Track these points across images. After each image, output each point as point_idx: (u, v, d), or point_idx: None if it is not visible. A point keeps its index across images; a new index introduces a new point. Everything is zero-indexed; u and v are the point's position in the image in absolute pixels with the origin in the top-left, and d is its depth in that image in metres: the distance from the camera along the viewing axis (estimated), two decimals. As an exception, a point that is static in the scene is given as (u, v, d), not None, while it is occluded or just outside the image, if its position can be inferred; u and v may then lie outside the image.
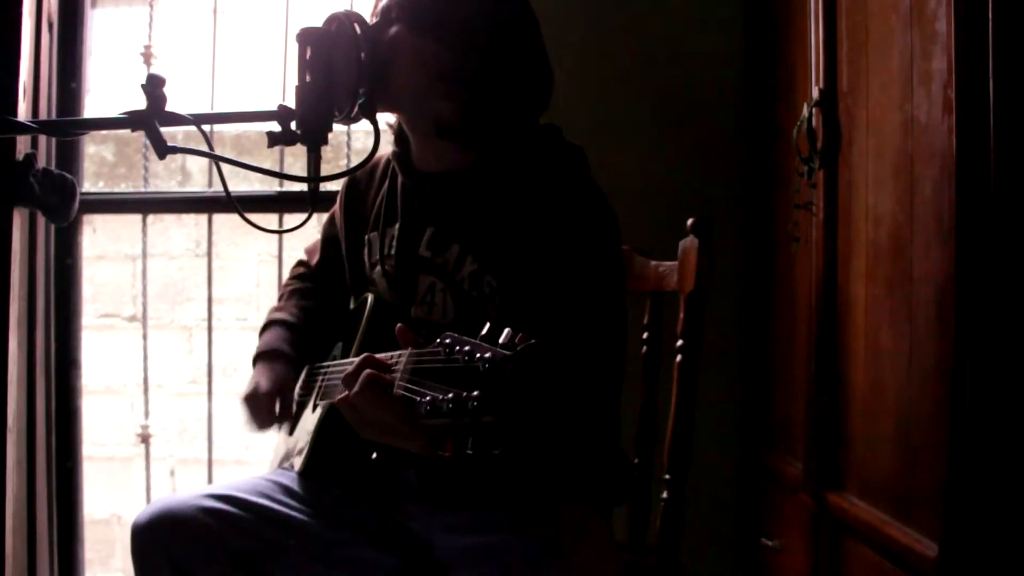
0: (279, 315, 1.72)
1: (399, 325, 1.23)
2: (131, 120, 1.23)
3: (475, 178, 1.50)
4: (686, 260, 1.71)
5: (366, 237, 1.62)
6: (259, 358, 1.65)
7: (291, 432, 1.68)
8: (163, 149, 1.22)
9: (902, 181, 1.58)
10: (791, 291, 2.12)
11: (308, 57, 1.31)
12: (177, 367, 3.66)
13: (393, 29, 1.47)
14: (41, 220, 2.19)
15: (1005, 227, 1.33)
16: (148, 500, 2.58)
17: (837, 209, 1.86)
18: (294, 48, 1.33)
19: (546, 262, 1.42)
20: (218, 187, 2.45)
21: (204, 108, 1.65)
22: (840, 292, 1.85)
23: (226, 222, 2.88)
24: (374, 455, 1.54)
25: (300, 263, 1.84)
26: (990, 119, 1.33)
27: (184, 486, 3.63)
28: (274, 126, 1.31)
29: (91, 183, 3.47)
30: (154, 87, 1.22)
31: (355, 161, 2.25)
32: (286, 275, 1.87)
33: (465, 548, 1.44)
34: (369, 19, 1.49)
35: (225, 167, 1.33)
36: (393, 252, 1.56)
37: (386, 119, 1.57)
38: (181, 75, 2.52)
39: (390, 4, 1.49)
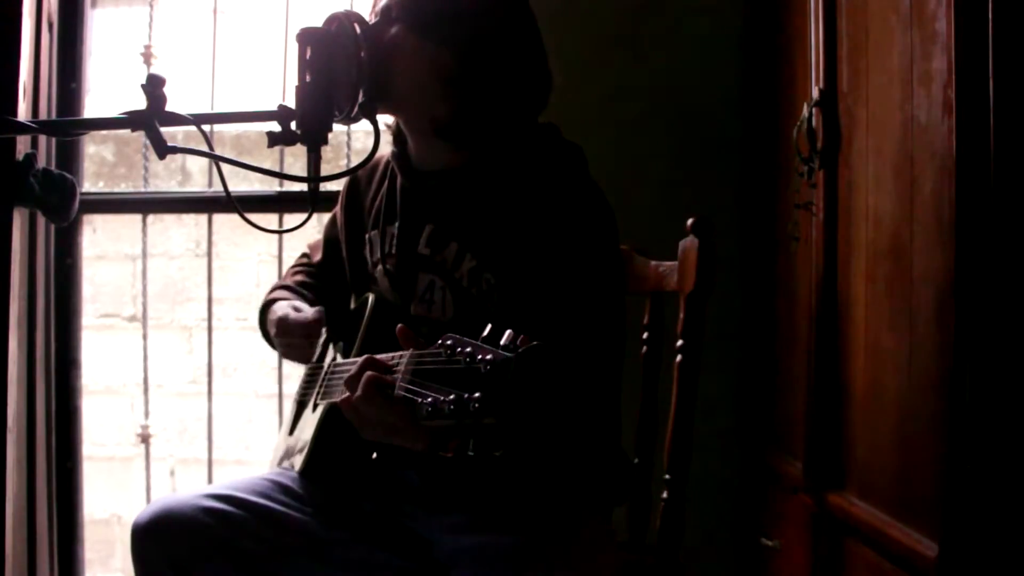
0: (285, 282, 1.75)
1: (400, 326, 1.23)
2: (131, 120, 1.23)
3: (473, 176, 1.50)
4: (686, 260, 1.71)
5: (367, 236, 1.63)
6: (268, 305, 1.67)
7: (291, 432, 1.68)
8: (163, 149, 1.22)
9: (902, 181, 1.58)
10: (791, 291, 2.12)
11: (308, 57, 1.31)
12: (177, 367, 3.66)
13: (393, 29, 1.47)
14: (41, 220, 2.19)
15: (1005, 227, 1.33)
16: (148, 500, 2.58)
17: (837, 209, 1.86)
18: (294, 48, 1.33)
19: (544, 259, 1.42)
20: (218, 187, 2.45)
21: (204, 108, 1.66)
22: (840, 292, 1.85)
23: (226, 222, 2.88)
24: (374, 455, 1.54)
25: (303, 255, 1.85)
26: (990, 119, 1.33)
27: (184, 486, 3.63)
28: (274, 126, 1.31)
29: (91, 183, 3.47)
30: (154, 87, 1.22)
31: (355, 161, 2.25)
32: (286, 269, 1.87)
33: (465, 548, 1.44)
34: (368, 18, 1.49)
35: (225, 167, 1.33)
36: (393, 250, 1.56)
37: (385, 119, 1.57)
38: (181, 75, 2.52)
39: (389, 4, 1.49)
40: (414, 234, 1.54)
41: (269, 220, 2.42)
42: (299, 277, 1.78)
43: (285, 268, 2.42)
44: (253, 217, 1.38)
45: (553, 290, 1.41)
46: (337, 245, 1.72)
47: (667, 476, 1.71)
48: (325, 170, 1.34)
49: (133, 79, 1.29)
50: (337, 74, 1.32)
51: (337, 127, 1.36)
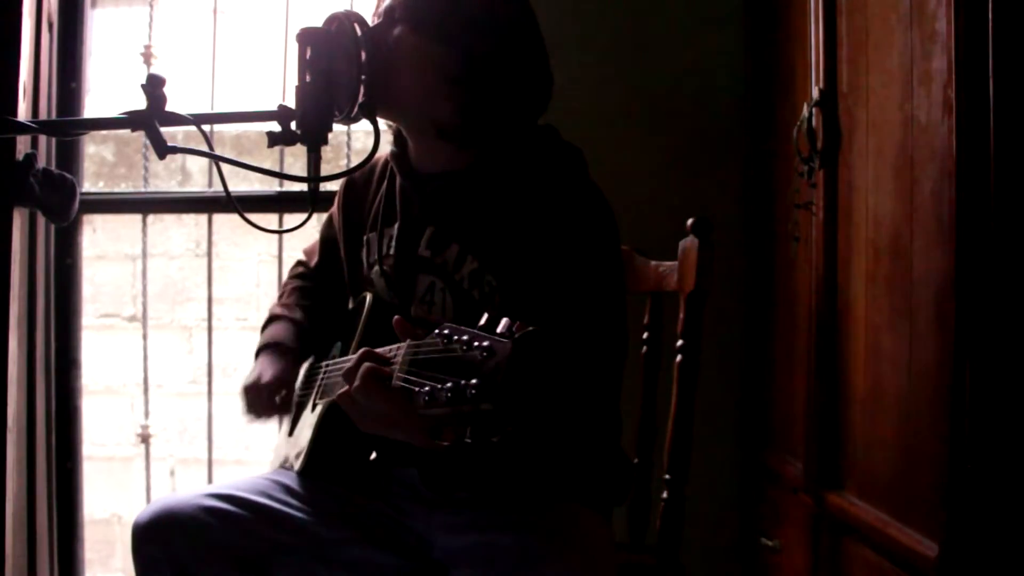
0: (282, 311, 1.73)
1: (396, 317, 1.23)
2: (131, 120, 1.22)
3: (474, 178, 1.50)
4: (686, 260, 1.71)
5: (364, 238, 1.63)
6: (262, 350, 1.66)
7: (291, 432, 1.68)
8: (163, 149, 1.22)
9: (902, 181, 1.58)
10: (791, 291, 2.12)
11: (308, 57, 1.31)
12: (177, 367, 3.66)
13: (396, 30, 1.47)
14: (41, 220, 2.19)
15: (1005, 227, 1.33)
16: (148, 500, 2.58)
17: (837, 209, 1.86)
18: (294, 48, 1.33)
19: (545, 260, 1.42)
20: (218, 187, 2.45)
21: (204, 108, 1.65)
22: (840, 292, 1.85)
23: (226, 222, 2.88)
24: (374, 455, 1.54)
25: (299, 263, 1.85)
26: (990, 119, 1.33)
27: (184, 486, 3.63)
28: (274, 126, 1.31)
29: (91, 183, 3.47)
30: (154, 87, 1.22)
31: (355, 161, 2.25)
32: (286, 275, 1.87)
33: (465, 548, 1.44)
34: (371, 20, 1.49)
35: (225, 167, 1.33)
36: (391, 252, 1.56)
37: (385, 120, 1.57)
38: (181, 75, 2.53)
39: (393, 4, 1.49)
40: (414, 236, 1.54)
41: (269, 220, 2.42)
42: (295, 297, 1.77)
43: (285, 269, 2.43)
44: (253, 217, 1.38)
45: (554, 291, 1.41)
46: (334, 245, 1.72)
47: (667, 476, 1.71)
48: (325, 170, 1.34)
49: (133, 79, 1.29)
50: (337, 74, 1.32)
51: (337, 127, 1.36)
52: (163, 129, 1.23)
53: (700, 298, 1.70)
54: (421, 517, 1.52)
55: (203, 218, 2.57)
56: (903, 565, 1.54)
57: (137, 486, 3.09)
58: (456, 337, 1.05)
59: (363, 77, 1.33)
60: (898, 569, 1.56)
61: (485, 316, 1.06)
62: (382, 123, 1.47)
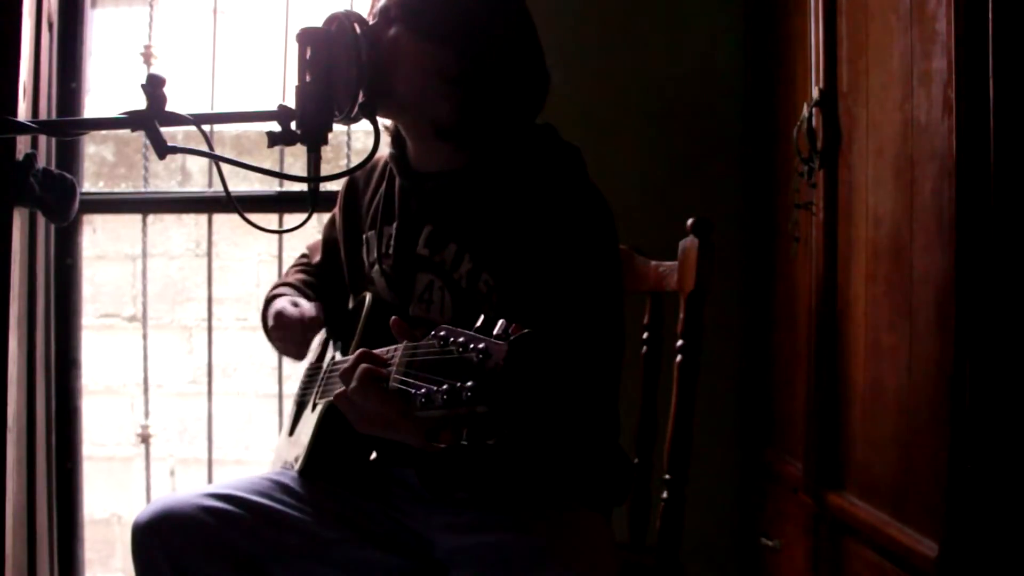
0: (287, 279, 1.76)
1: (394, 318, 1.23)
2: (131, 120, 1.23)
3: (472, 177, 1.50)
4: (686, 260, 1.71)
5: (364, 236, 1.63)
6: (270, 300, 1.67)
7: (291, 432, 1.68)
8: (163, 149, 1.22)
9: (902, 181, 1.58)
10: (791, 291, 2.12)
11: (308, 57, 1.31)
12: (177, 367, 3.66)
13: (392, 30, 1.47)
14: (41, 220, 2.19)
15: (1005, 227, 1.33)
16: (148, 500, 2.58)
17: (837, 209, 1.86)
18: (294, 48, 1.33)
19: (543, 260, 1.42)
20: (218, 187, 2.45)
21: (204, 108, 1.65)
22: (840, 292, 1.85)
23: (226, 222, 2.89)
24: (373, 455, 1.54)
25: (303, 255, 1.85)
26: (990, 119, 1.33)
27: (184, 486, 3.63)
28: (274, 126, 1.31)
29: (91, 183, 3.47)
30: (154, 87, 1.22)
31: (355, 161, 2.25)
32: (286, 269, 1.88)
33: (465, 548, 1.44)
34: (367, 19, 1.49)
35: (225, 167, 1.33)
36: (391, 251, 1.56)
37: (385, 120, 1.57)
38: (181, 75, 2.52)
39: (388, 4, 1.49)
40: (413, 235, 1.54)
41: (269, 220, 2.42)
42: (300, 276, 1.78)
43: (285, 268, 2.43)
44: (253, 217, 1.38)
45: (552, 291, 1.41)
46: (336, 246, 1.72)
47: (667, 476, 1.71)
48: (325, 170, 1.34)
49: (133, 79, 1.29)
50: (337, 74, 1.32)
51: (337, 127, 1.36)
52: (163, 129, 1.23)
53: (700, 298, 1.70)
54: (421, 517, 1.52)
55: (203, 218, 2.57)
56: (903, 565, 1.54)
57: (137, 486, 3.10)
58: (452, 339, 1.05)
59: (363, 77, 1.33)
60: (898, 569, 1.56)
61: (482, 318, 1.06)
62: (382, 123, 1.47)
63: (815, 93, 1.91)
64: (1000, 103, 1.32)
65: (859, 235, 1.76)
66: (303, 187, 1.39)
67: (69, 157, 2.39)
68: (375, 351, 1.24)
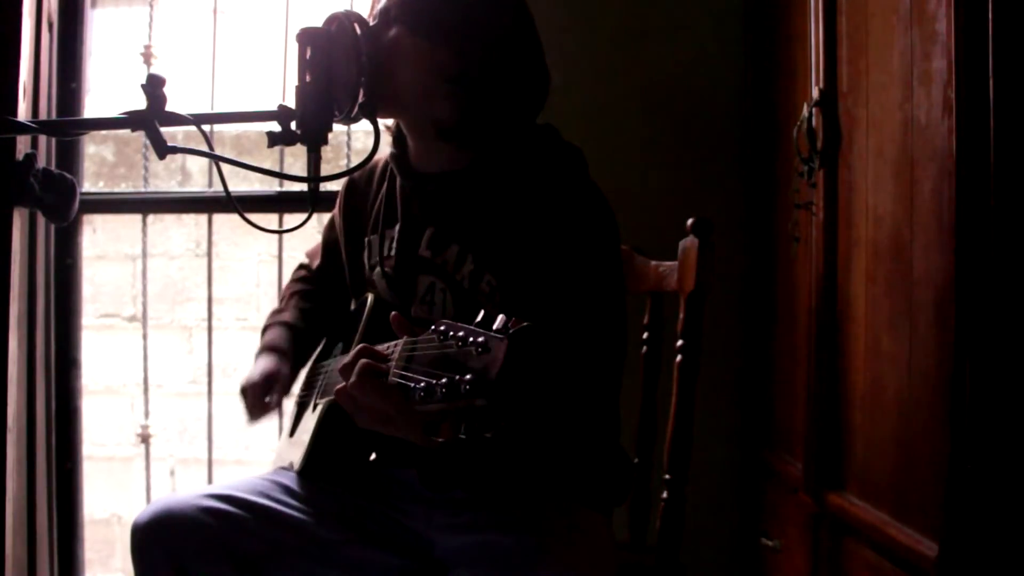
0: (279, 317, 1.76)
1: (394, 313, 1.23)
2: (131, 120, 1.22)
3: (474, 178, 1.50)
4: (686, 260, 1.71)
5: (366, 239, 1.63)
6: (259, 355, 1.67)
7: (292, 433, 1.68)
8: (163, 149, 1.22)
9: (902, 181, 1.58)
10: (791, 291, 2.12)
11: (308, 57, 1.31)
12: (177, 367, 3.66)
13: (392, 31, 1.47)
14: (41, 220, 2.19)
15: (1005, 227, 1.33)
16: (148, 500, 2.58)
17: (837, 209, 1.86)
18: (294, 48, 1.33)
19: (545, 261, 1.42)
20: (218, 187, 2.45)
21: (204, 108, 1.65)
22: (840, 292, 1.85)
23: (226, 222, 2.88)
24: (373, 455, 1.54)
25: (301, 266, 1.85)
26: (990, 119, 1.33)
27: (184, 486, 3.63)
28: (274, 126, 1.31)
29: (91, 183, 3.47)
30: (154, 87, 1.22)
31: (355, 161, 2.25)
32: (286, 275, 1.88)
33: (465, 548, 1.44)
34: (367, 20, 1.49)
35: (225, 167, 1.33)
36: (393, 253, 1.56)
37: (385, 120, 1.57)
38: (181, 75, 2.52)
39: (388, 5, 1.49)
40: (415, 236, 1.54)
41: (269, 220, 2.42)
42: (293, 301, 1.78)
43: (285, 268, 2.44)
44: (253, 217, 1.38)
45: (554, 291, 1.41)
46: (336, 248, 1.72)
47: (667, 476, 1.71)
48: (325, 170, 1.34)
49: (133, 79, 1.29)
50: (337, 74, 1.32)
51: (337, 127, 1.36)
52: (163, 129, 1.22)
53: (700, 298, 1.70)
54: (421, 517, 1.52)
55: (203, 218, 2.57)
56: (903, 565, 1.54)
57: (137, 486, 3.10)
58: (452, 333, 1.05)
59: (363, 77, 1.33)
60: (898, 569, 1.56)
61: (482, 312, 1.06)
62: (382, 123, 1.47)
63: (815, 93, 1.91)
64: (1000, 103, 1.32)
65: (859, 235, 1.76)
66: (303, 187, 1.39)
67: (69, 157, 2.39)
68: (375, 347, 1.25)
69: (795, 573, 2.06)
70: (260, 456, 3.46)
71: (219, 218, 2.57)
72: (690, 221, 1.71)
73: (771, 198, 2.26)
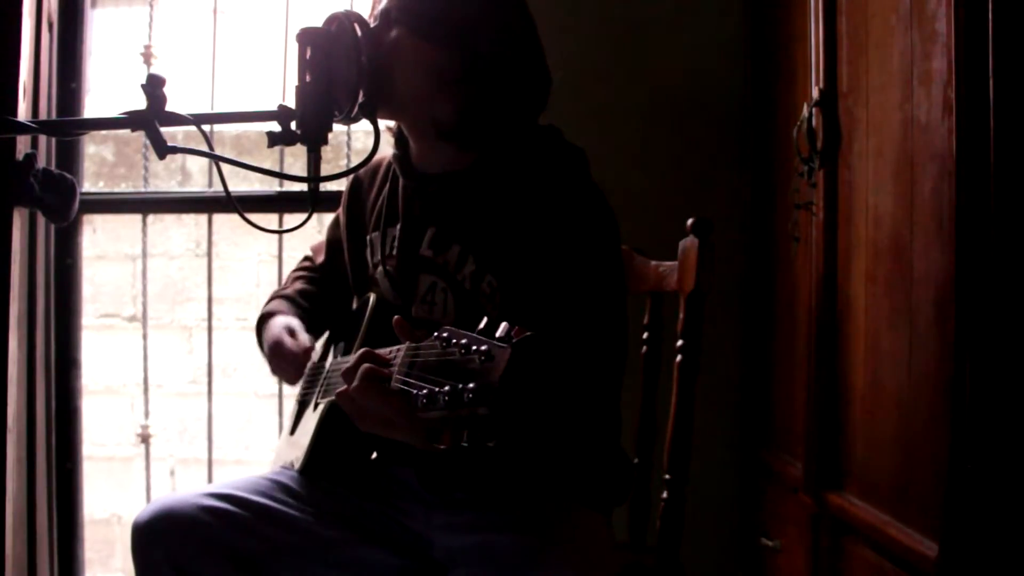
0: (284, 291, 1.77)
1: (396, 317, 1.23)
2: (131, 120, 1.22)
3: (476, 179, 1.50)
4: (686, 260, 1.71)
5: (368, 237, 1.63)
6: (267, 317, 1.69)
7: (292, 432, 1.68)
8: (163, 149, 1.22)
9: (902, 181, 1.58)
10: (791, 291, 2.12)
11: (308, 57, 1.31)
12: (177, 367, 3.66)
13: (393, 32, 1.47)
14: (41, 220, 2.19)
15: (1005, 227, 1.33)
16: (148, 500, 2.58)
17: (837, 209, 1.86)
18: (294, 48, 1.33)
19: (546, 262, 1.42)
20: (218, 187, 2.45)
21: (204, 108, 1.65)
22: (840, 292, 1.85)
23: (226, 222, 2.89)
24: (374, 455, 1.54)
25: (306, 258, 1.86)
26: (990, 119, 1.33)
27: (184, 486, 3.63)
28: (274, 126, 1.31)
29: (91, 183, 3.47)
30: (154, 87, 1.22)
31: (355, 161, 2.25)
32: (286, 275, 1.88)
33: (464, 548, 1.44)
34: (367, 21, 1.49)
35: (225, 167, 1.33)
36: (394, 252, 1.56)
37: (386, 120, 1.57)
38: (181, 75, 2.52)
39: (389, 6, 1.49)
40: (416, 236, 1.54)
41: (269, 220, 2.42)
42: (299, 284, 1.78)
43: (285, 269, 2.43)
44: (253, 217, 1.38)
45: (555, 293, 1.41)
46: (339, 246, 1.72)
47: (667, 476, 1.71)
48: (325, 170, 1.34)
49: (133, 79, 1.29)
50: (337, 74, 1.32)
51: (337, 127, 1.36)
52: (163, 129, 1.23)
53: (700, 298, 1.70)
54: (420, 517, 1.52)
55: (203, 218, 2.57)
56: (903, 565, 1.54)
57: (137, 486, 3.09)
58: (455, 341, 1.06)
59: (363, 78, 1.33)
60: (898, 569, 1.56)
61: (484, 320, 1.06)
62: (382, 124, 1.47)
63: (815, 93, 1.91)
64: (1000, 103, 1.32)
65: (859, 235, 1.76)
66: (303, 187, 1.39)
67: (69, 157, 2.39)
68: (378, 351, 1.25)
69: (795, 573, 2.06)
70: (260, 456, 3.46)
71: (219, 218, 2.57)
72: (690, 221, 1.71)
73: (771, 198, 2.26)
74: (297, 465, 1.57)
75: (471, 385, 1.00)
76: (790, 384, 2.12)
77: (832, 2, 1.88)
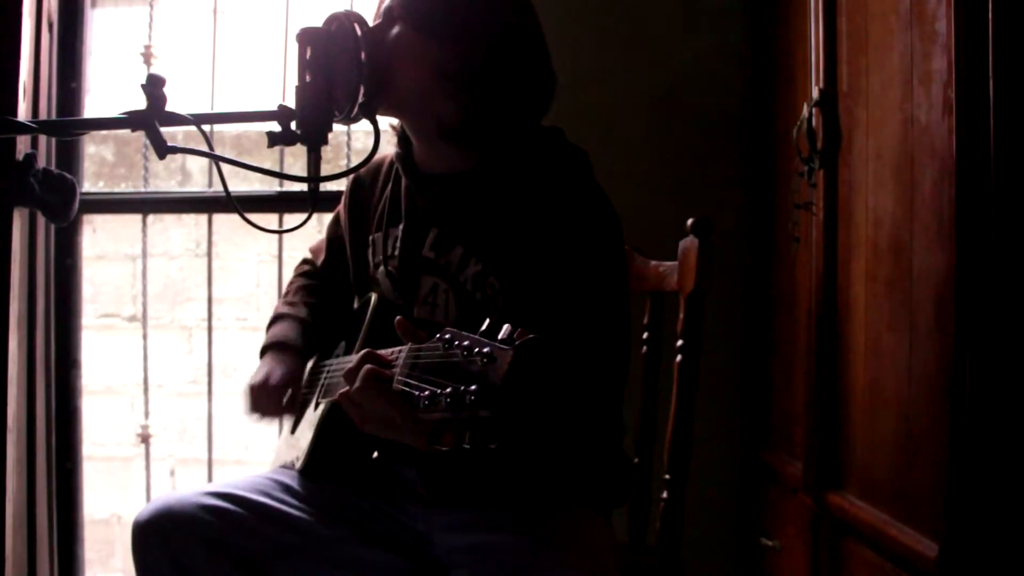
0: (287, 309, 1.74)
1: (398, 318, 1.23)
2: (131, 120, 1.22)
3: (478, 180, 1.49)
4: (686, 260, 1.71)
5: (370, 238, 1.63)
6: (269, 349, 1.66)
7: (293, 430, 1.68)
8: (163, 149, 1.22)
9: (902, 181, 1.58)
10: (791, 291, 2.12)
11: (308, 57, 1.31)
12: (177, 367, 3.66)
13: (395, 29, 1.47)
14: (41, 220, 2.19)
15: (1005, 227, 1.33)
16: (148, 500, 2.58)
17: (837, 209, 1.86)
18: (294, 48, 1.33)
19: (549, 264, 1.42)
20: (218, 187, 2.45)
21: (204, 108, 1.65)
22: (840, 292, 1.85)
23: (226, 222, 2.88)
24: (375, 454, 1.54)
25: (305, 261, 1.85)
26: (990, 119, 1.33)
27: (184, 486, 3.63)
28: (274, 126, 1.31)
29: (91, 183, 3.47)
30: (154, 87, 1.22)
31: (355, 161, 2.25)
32: (286, 275, 1.87)
33: (465, 547, 1.44)
34: (372, 20, 1.49)
35: (225, 167, 1.33)
36: (396, 253, 1.56)
37: (388, 120, 1.57)
38: (181, 75, 2.52)
39: (392, 4, 1.49)
40: (418, 237, 1.54)
41: (269, 220, 2.42)
42: (300, 295, 1.77)
43: (285, 268, 2.44)
44: (253, 217, 1.38)
45: (557, 295, 1.41)
46: (341, 245, 1.72)
47: (667, 476, 1.71)
48: (325, 170, 1.34)
49: (133, 79, 1.29)
50: (337, 74, 1.32)
51: (337, 127, 1.36)
52: (163, 129, 1.23)
53: (700, 298, 1.70)
54: (421, 516, 1.52)
55: (203, 218, 2.57)
56: (903, 565, 1.54)
57: (137, 486, 3.09)
58: (457, 342, 1.06)
59: (363, 77, 1.33)
60: (898, 569, 1.56)
61: (487, 322, 1.06)
62: (384, 123, 1.47)
63: (815, 93, 1.91)
64: (1000, 103, 1.32)
65: (859, 235, 1.76)
66: (303, 187, 1.39)
67: (69, 157, 2.39)
68: (379, 352, 1.25)
69: (795, 573, 2.06)
70: (260, 456, 3.46)
71: (219, 218, 2.56)
72: (690, 221, 1.71)
73: (771, 198, 2.26)
74: (298, 465, 1.57)
75: (473, 387, 1.00)
76: (790, 384, 2.12)
77: (832, 2, 1.88)
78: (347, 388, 1.24)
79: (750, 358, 2.39)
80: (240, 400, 1.62)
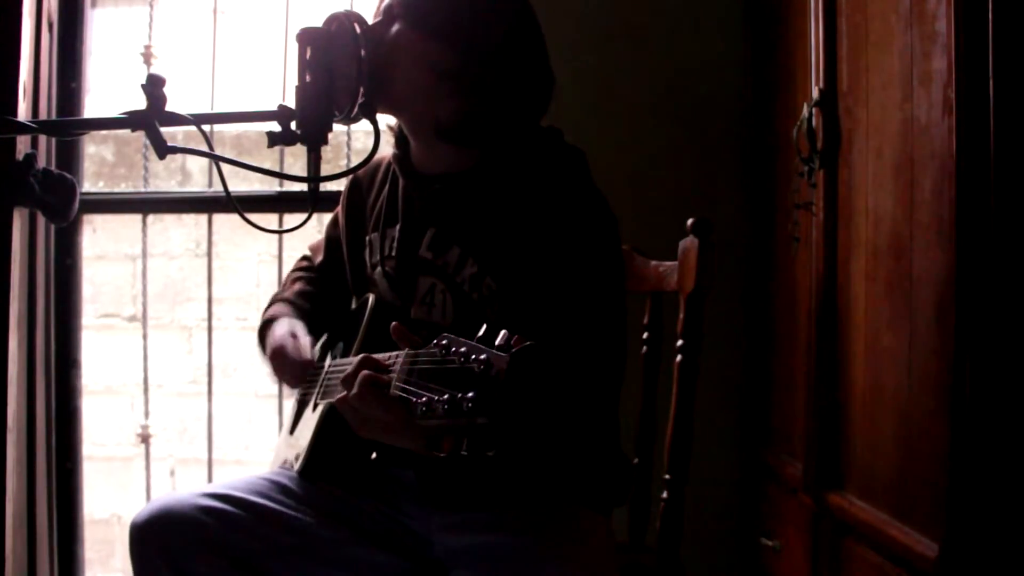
0: (284, 294, 1.75)
1: (394, 324, 1.23)
2: (131, 120, 1.22)
3: (476, 180, 1.49)
4: (686, 260, 1.71)
5: (367, 238, 1.63)
6: (270, 322, 1.67)
7: (291, 432, 1.68)
8: (163, 149, 1.22)
9: (902, 181, 1.58)
10: (791, 291, 2.12)
11: (308, 57, 1.31)
12: (177, 367, 3.66)
13: (395, 28, 1.47)
14: (41, 220, 2.19)
15: (1005, 227, 1.33)
16: (148, 500, 2.58)
17: (837, 209, 1.86)
18: (294, 48, 1.33)
19: (546, 265, 1.42)
20: (218, 187, 2.45)
21: (204, 108, 1.65)
22: (840, 292, 1.85)
23: (226, 222, 2.88)
24: (374, 455, 1.54)
25: (304, 258, 1.85)
26: (990, 119, 1.33)
27: (184, 486, 3.63)
28: (274, 126, 1.31)
29: (91, 183, 3.47)
30: (154, 87, 1.22)
31: (355, 161, 2.25)
32: (285, 275, 1.87)
33: (464, 548, 1.44)
34: (371, 19, 1.49)
35: (225, 167, 1.33)
36: (394, 253, 1.56)
37: (387, 120, 1.57)
38: (181, 75, 2.52)
39: (392, 3, 1.49)
40: (415, 237, 1.54)
41: (269, 220, 2.42)
42: (299, 286, 1.77)
43: (285, 269, 2.43)
44: (253, 217, 1.38)
45: (554, 296, 1.40)
46: (338, 245, 1.72)
47: (667, 476, 1.71)
48: (325, 170, 1.34)
49: (133, 79, 1.29)
50: (337, 74, 1.32)
51: (337, 127, 1.36)
52: (163, 129, 1.23)
53: (700, 298, 1.70)
54: (420, 517, 1.52)
55: (203, 218, 2.57)
56: (903, 565, 1.54)
57: (137, 486, 3.09)
58: (454, 348, 1.06)
59: (362, 77, 1.33)
60: (898, 569, 1.56)
61: (484, 327, 1.06)
62: (383, 124, 1.47)
63: (815, 93, 1.91)
64: (1000, 103, 1.32)
65: (859, 235, 1.76)
66: (303, 187, 1.39)
67: (69, 157, 2.39)
68: (377, 356, 1.25)
69: (795, 573, 2.06)
70: (260, 456, 3.46)
71: (219, 218, 2.56)
72: (690, 221, 1.71)
73: (771, 198, 2.26)
74: (296, 465, 1.57)
75: (470, 394, 1.00)
76: (790, 384, 2.12)
77: (832, 2, 1.88)
78: (344, 393, 1.24)
79: (750, 358, 2.39)
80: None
